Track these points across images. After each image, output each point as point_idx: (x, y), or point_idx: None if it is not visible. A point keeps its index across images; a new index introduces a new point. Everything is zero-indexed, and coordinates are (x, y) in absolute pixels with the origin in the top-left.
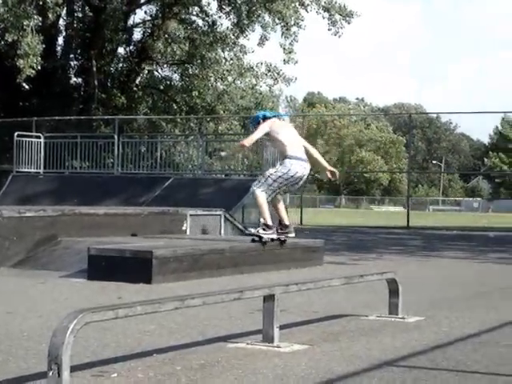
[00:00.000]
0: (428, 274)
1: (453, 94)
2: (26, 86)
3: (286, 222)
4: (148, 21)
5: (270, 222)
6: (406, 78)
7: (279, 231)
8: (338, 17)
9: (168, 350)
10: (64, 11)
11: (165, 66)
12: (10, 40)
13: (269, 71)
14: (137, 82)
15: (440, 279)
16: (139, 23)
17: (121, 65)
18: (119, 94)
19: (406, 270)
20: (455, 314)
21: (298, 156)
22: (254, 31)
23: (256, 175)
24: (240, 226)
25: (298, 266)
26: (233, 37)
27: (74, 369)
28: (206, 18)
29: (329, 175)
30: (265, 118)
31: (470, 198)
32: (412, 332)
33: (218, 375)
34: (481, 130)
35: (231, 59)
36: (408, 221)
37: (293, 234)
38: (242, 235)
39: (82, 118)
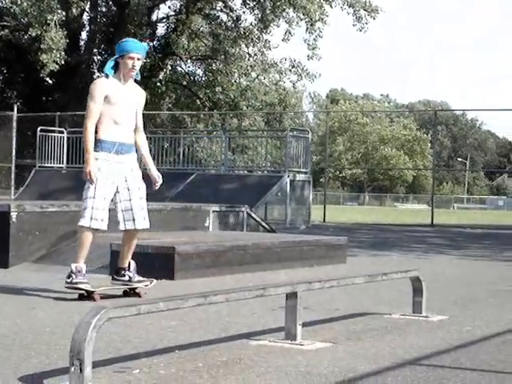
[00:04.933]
0: (452, 273)
1: (479, 90)
2: (50, 81)
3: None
4: (172, 16)
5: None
6: (432, 74)
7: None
8: (362, 12)
9: (190, 346)
10: (88, 6)
11: (188, 61)
12: (33, 34)
13: (293, 67)
14: (160, 77)
15: (464, 278)
16: (163, 18)
17: (144, 60)
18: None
19: (430, 268)
20: (479, 312)
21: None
22: (278, 27)
23: (280, 171)
24: (263, 223)
25: (321, 263)
26: (257, 32)
27: (96, 365)
28: (230, 13)
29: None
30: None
31: (495, 196)
32: (436, 331)
33: (240, 372)
34: (507, 128)
35: (255, 55)
36: (432, 219)
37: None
38: (266, 232)
39: None
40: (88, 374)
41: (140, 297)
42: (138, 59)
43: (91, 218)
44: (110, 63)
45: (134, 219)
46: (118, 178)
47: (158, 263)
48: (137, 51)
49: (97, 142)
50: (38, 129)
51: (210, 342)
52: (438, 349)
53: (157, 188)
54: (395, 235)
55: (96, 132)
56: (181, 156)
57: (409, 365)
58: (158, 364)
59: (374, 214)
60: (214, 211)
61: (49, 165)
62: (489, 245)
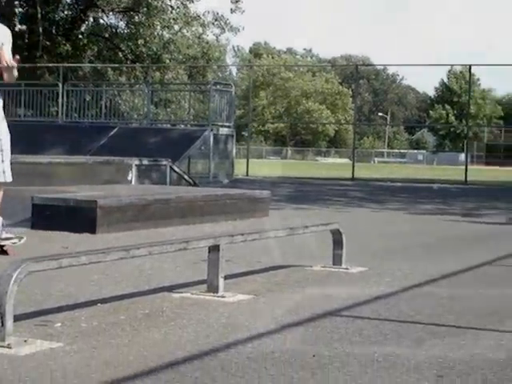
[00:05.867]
0: (371, 225)
1: (400, 45)
2: None
3: None
4: None
5: None
6: (354, 28)
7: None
8: None
9: (112, 299)
10: None
11: (110, 13)
12: None
13: (216, 20)
14: (82, 29)
15: (383, 230)
16: None
17: (66, 12)
18: (64, 42)
19: (350, 221)
20: (398, 265)
21: None
22: None
23: (203, 125)
24: (186, 177)
25: (244, 216)
26: None
27: (17, 318)
28: None
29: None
30: None
31: (415, 151)
32: (355, 283)
33: (162, 325)
34: (427, 83)
35: (178, 7)
36: (353, 172)
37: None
38: (189, 185)
39: (26, 65)
40: (9, 327)
41: (8, 254)
42: None
43: None
44: None
45: None
46: None
47: (80, 217)
48: None
49: None
50: None
51: (133, 295)
52: (358, 300)
53: None
54: (317, 189)
55: None
56: (103, 109)
57: (329, 316)
58: (80, 317)
59: (297, 168)
60: (136, 165)
61: None
62: (406, 198)
